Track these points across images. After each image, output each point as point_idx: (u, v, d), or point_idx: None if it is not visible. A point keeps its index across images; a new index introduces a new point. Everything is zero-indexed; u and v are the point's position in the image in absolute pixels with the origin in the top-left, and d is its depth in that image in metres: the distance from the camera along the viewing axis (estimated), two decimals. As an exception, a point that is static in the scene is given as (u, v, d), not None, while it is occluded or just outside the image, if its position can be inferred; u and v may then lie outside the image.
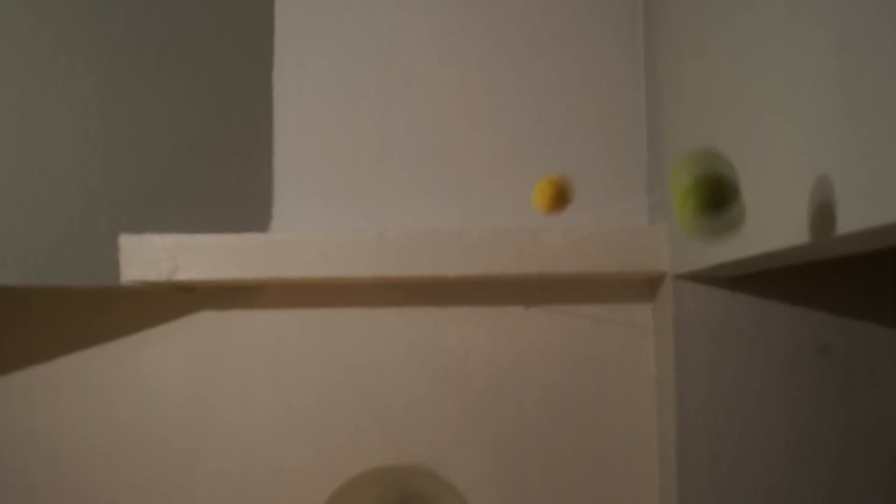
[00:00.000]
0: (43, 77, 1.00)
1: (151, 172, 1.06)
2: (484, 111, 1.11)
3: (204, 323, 1.10)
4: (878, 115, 0.47)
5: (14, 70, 0.98)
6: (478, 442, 1.07)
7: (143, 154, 1.06)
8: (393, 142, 1.11)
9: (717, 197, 0.59)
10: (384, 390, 1.09)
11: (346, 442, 1.08)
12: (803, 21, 0.58)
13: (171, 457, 1.09)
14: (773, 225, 0.64)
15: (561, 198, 0.78)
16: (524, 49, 1.11)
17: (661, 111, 1.01)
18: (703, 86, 0.83)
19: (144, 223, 1.04)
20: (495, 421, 1.07)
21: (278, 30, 1.13)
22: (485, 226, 1.04)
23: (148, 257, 1.02)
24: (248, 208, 1.11)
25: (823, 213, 0.54)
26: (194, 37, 1.10)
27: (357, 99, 1.12)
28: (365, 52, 1.12)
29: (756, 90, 0.68)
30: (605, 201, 1.09)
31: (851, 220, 0.51)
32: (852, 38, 0.50)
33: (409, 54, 1.12)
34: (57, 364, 1.11)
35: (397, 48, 1.12)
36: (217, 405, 1.09)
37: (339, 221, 1.11)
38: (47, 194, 1.00)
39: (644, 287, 1.07)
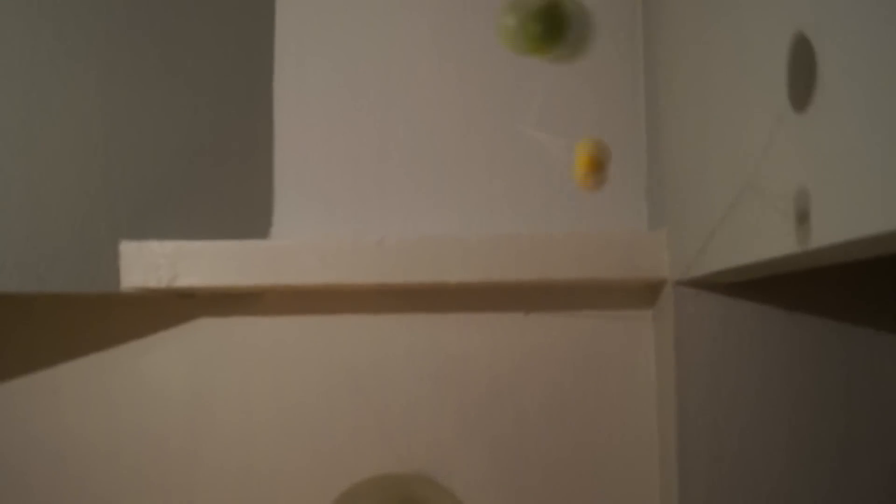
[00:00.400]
0: (43, 82, 1.00)
1: (151, 178, 1.06)
2: (484, 116, 1.11)
3: (204, 329, 1.10)
4: (885, 116, 0.47)
5: (13, 74, 0.98)
6: (478, 448, 1.07)
7: (144, 159, 1.06)
8: (393, 147, 1.11)
9: (548, 22, 0.61)
10: (384, 396, 1.09)
11: (345, 448, 1.08)
12: (805, 19, 0.58)
13: (171, 463, 1.09)
14: (774, 232, 0.64)
15: (595, 163, 0.78)
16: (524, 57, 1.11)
17: (661, 115, 1.01)
18: (702, 90, 0.83)
19: (144, 229, 1.04)
20: (495, 427, 1.07)
21: (279, 35, 1.13)
22: (485, 232, 1.04)
23: (148, 263, 1.02)
24: (249, 214, 1.11)
25: (824, 220, 0.54)
26: (195, 42, 1.10)
27: (358, 104, 1.12)
28: (366, 58, 1.12)
29: (756, 93, 0.68)
30: (604, 205, 1.09)
31: (852, 227, 0.51)
32: (854, 46, 0.50)
33: (410, 60, 1.12)
34: (57, 370, 1.11)
35: (398, 54, 1.12)
36: (217, 411, 1.09)
37: (340, 227, 1.11)
38: (47, 200, 1.00)
39: (644, 293, 1.07)
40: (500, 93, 1.11)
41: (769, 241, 0.65)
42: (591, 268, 0.98)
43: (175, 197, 1.08)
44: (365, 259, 1.00)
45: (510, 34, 0.64)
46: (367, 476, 1.06)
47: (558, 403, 1.07)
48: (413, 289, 1.05)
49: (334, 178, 1.12)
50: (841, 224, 0.52)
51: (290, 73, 1.13)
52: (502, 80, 1.11)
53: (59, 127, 1.01)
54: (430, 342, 1.08)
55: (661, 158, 1.02)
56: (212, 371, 1.10)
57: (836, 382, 0.91)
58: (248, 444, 1.09)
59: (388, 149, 1.11)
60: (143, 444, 1.10)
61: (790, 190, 0.60)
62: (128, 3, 1.05)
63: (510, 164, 1.10)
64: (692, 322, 0.92)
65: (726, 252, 0.76)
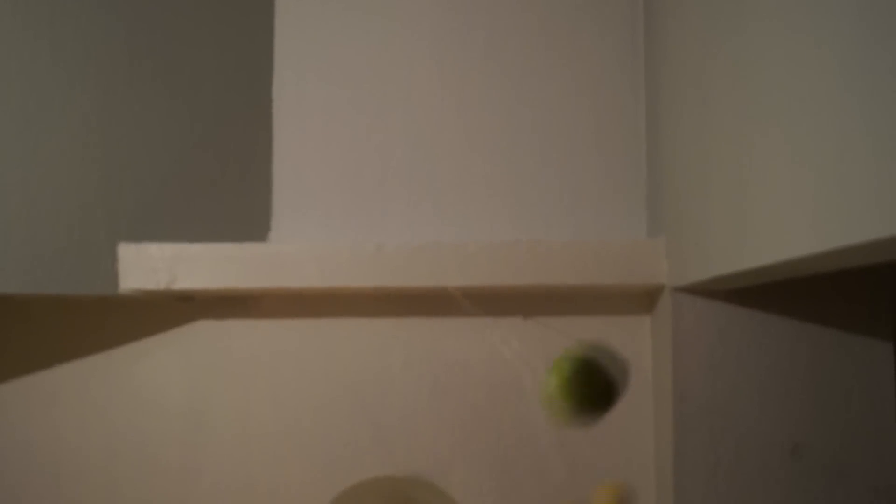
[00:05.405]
0: (41, 88, 1.00)
1: (150, 182, 1.06)
2: (483, 124, 1.11)
3: (202, 332, 1.10)
4: (880, 126, 0.47)
5: (13, 82, 0.98)
6: (476, 454, 1.07)
7: (142, 163, 1.06)
8: (392, 154, 1.11)
9: (585, 398, 0.62)
10: (382, 401, 1.08)
11: (344, 454, 1.08)
12: (804, 34, 0.58)
13: (168, 467, 1.09)
14: (771, 238, 0.64)
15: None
16: (523, 63, 1.11)
17: (661, 124, 1.01)
18: (703, 98, 0.83)
19: (143, 232, 1.04)
20: (494, 433, 1.07)
21: (278, 42, 1.14)
22: (483, 238, 1.04)
23: (146, 266, 1.02)
24: (247, 218, 1.11)
25: (822, 225, 0.54)
26: (194, 48, 1.10)
27: (356, 110, 1.12)
28: (364, 65, 1.13)
29: (755, 103, 0.68)
30: (603, 213, 1.09)
31: (849, 232, 0.51)
32: (855, 50, 0.50)
33: (409, 67, 1.12)
34: (54, 373, 1.10)
35: (397, 61, 1.13)
36: (215, 415, 1.09)
37: (338, 232, 1.11)
38: (46, 202, 1.00)
39: (642, 299, 1.07)
40: (499, 102, 1.11)
41: (766, 247, 0.65)
42: (590, 274, 0.98)
43: (173, 200, 1.08)
44: (363, 264, 1.00)
45: (546, 399, 0.64)
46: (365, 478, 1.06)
47: (556, 410, 1.07)
48: (411, 294, 1.05)
49: (333, 183, 1.12)
50: (839, 230, 0.52)
51: (290, 83, 1.13)
52: (501, 92, 1.11)
53: (58, 130, 1.01)
54: (428, 347, 1.08)
55: (660, 167, 1.02)
56: (210, 373, 1.10)
57: (834, 390, 0.91)
58: (245, 448, 1.09)
59: (387, 155, 1.12)
60: (141, 446, 1.09)
61: (788, 197, 0.60)
62: (126, 15, 1.06)
63: (509, 172, 1.10)
64: (690, 328, 0.92)
65: (724, 259, 0.76)
